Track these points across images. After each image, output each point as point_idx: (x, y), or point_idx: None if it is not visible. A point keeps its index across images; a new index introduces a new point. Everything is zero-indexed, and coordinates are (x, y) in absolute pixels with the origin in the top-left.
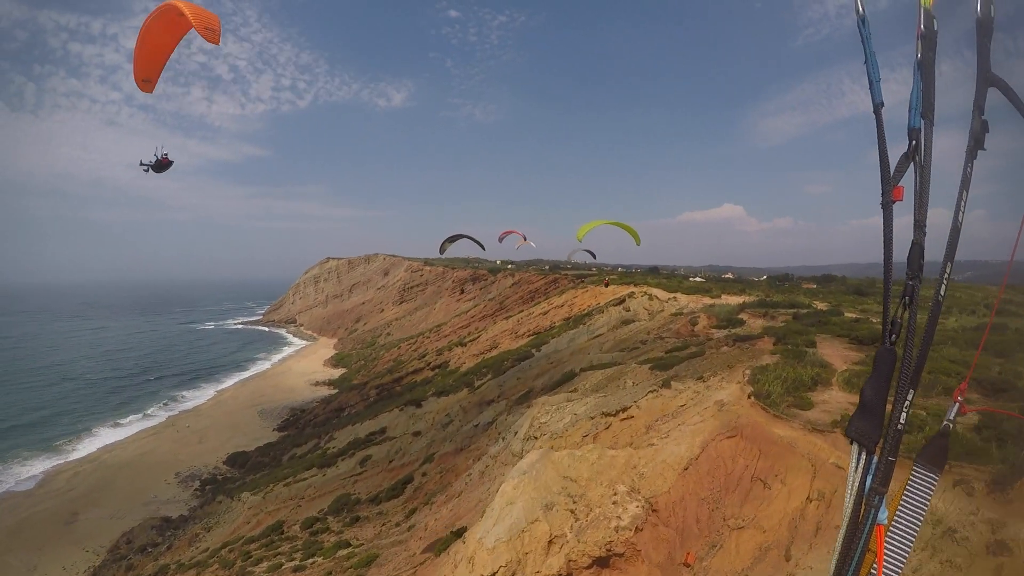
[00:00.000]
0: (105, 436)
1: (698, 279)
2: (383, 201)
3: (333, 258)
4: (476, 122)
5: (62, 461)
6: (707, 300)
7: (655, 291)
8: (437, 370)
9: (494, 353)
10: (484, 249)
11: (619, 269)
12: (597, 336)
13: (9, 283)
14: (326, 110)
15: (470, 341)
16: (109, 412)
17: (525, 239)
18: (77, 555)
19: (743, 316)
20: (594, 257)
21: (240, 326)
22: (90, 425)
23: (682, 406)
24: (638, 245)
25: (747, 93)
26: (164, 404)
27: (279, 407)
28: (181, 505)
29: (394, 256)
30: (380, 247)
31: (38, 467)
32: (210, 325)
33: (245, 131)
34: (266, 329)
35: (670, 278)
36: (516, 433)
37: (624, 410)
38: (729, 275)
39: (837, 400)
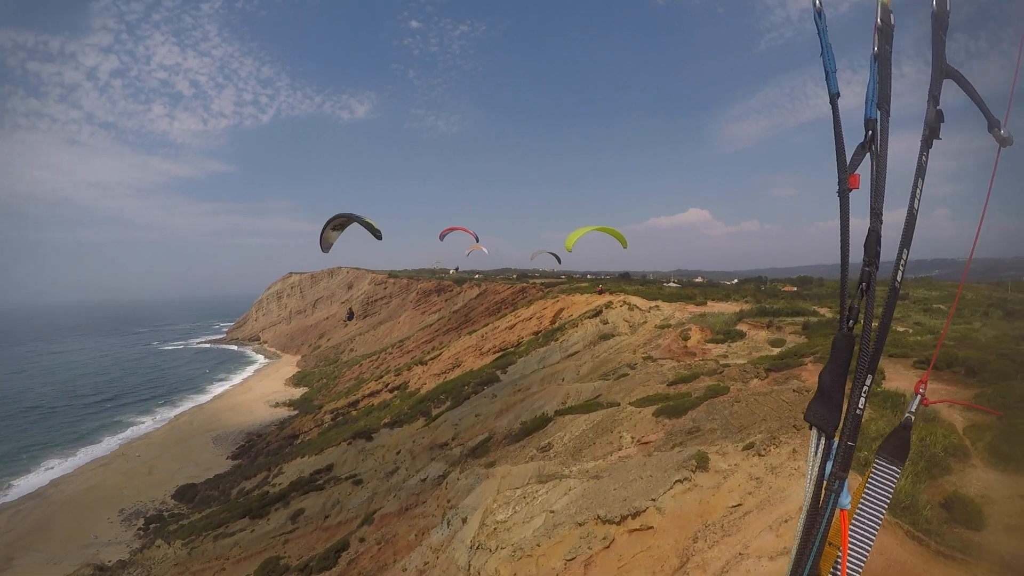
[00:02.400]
0: (54, 469)
1: (673, 284)
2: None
3: (296, 273)
4: (440, 133)
5: (5, 499)
6: (693, 308)
7: (634, 299)
8: (396, 392)
9: (456, 373)
10: (380, 239)
11: (588, 276)
12: (572, 355)
13: None
14: (289, 124)
15: (431, 359)
16: (62, 442)
17: (478, 241)
18: None
19: (742, 327)
20: (559, 261)
21: (204, 345)
22: (40, 458)
23: (736, 507)
24: (625, 248)
25: (712, 98)
26: (118, 431)
27: (235, 432)
28: (122, 548)
29: (357, 269)
30: (347, 261)
31: None
32: (174, 345)
33: (208, 147)
34: (230, 348)
35: (647, 284)
36: (465, 522)
37: (635, 515)
38: (699, 279)
39: (999, 492)
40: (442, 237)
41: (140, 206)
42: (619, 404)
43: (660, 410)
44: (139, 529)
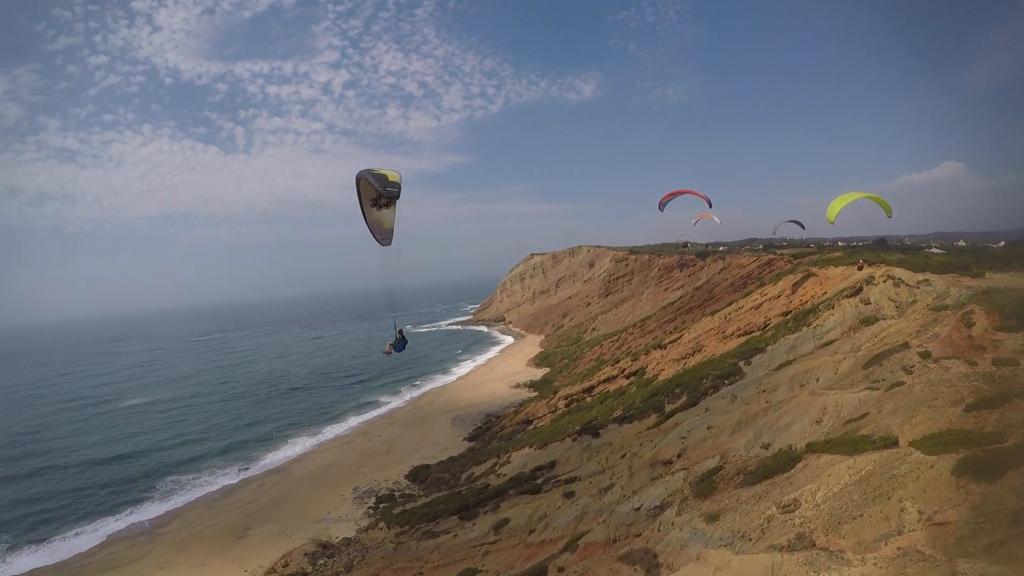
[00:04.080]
0: (300, 445)
1: (936, 250)
2: (587, 193)
3: (537, 254)
4: (669, 103)
5: (252, 472)
6: (969, 281)
7: (898, 272)
8: (632, 378)
9: (696, 360)
10: (395, 196)
11: (839, 243)
12: (827, 344)
13: (242, 302)
14: (518, 111)
15: (670, 343)
16: (311, 422)
17: (710, 206)
18: (234, 574)
19: None
20: (803, 227)
21: (451, 327)
22: (289, 435)
23: None
24: (890, 217)
25: (951, 34)
26: (364, 411)
27: (474, 413)
28: (350, 525)
29: (598, 247)
30: (586, 239)
31: (228, 478)
32: (425, 328)
33: (444, 141)
34: (477, 328)
35: (909, 252)
36: None
37: None
38: (961, 242)
39: None
40: (662, 206)
41: None
42: (896, 442)
43: (962, 464)
44: (369, 508)
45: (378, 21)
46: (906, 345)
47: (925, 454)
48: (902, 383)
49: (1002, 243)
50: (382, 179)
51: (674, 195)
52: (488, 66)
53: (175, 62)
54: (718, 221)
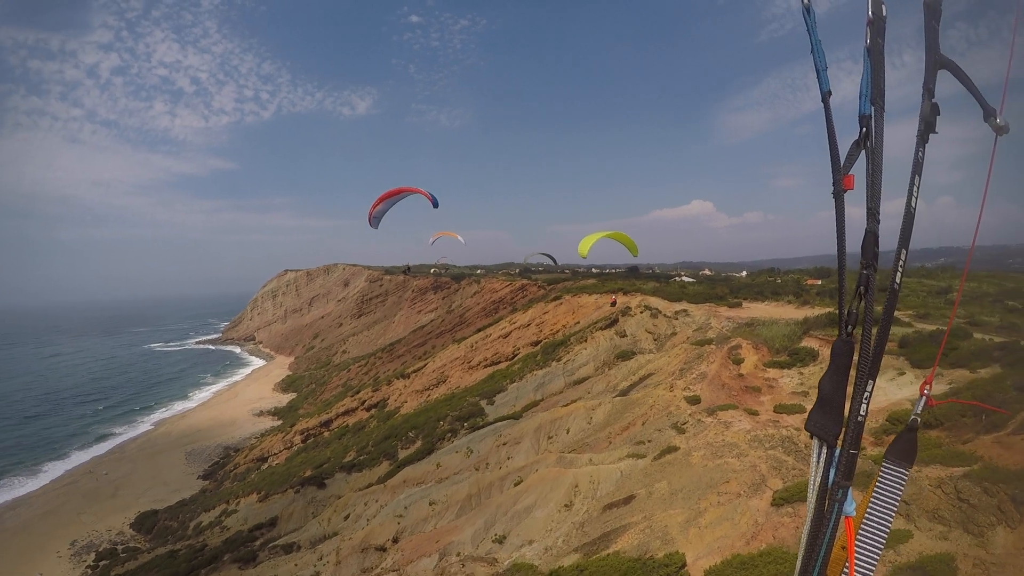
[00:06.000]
0: (18, 487)
1: (687, 279)
2: (353, 210)
3: (291, 270)
4: (441, 128)
5: None
6: (727, 312)
7: (654, 301)
8: (372, 411)
9: (439, 392)
10: None
11: (593, 270)
12: (579, 382)
13: None
14: (291, 120)
15: (414, 372)
16: (33, 457)
17: (436, 206)
18: None
19: (809, 342)
20: (555, 263)
21: (200, 346)
22: (6, 474)
23: None
24: (636, 256)
25: (713, 90)
26: (92, 445)
27: (212, 446)
28: None
29: (355, 265)
30: (349, 257)
31: None
32: (169, 346)
33: (210, 144)
34: (225, 348)
35: (663, 282)
36: None
37: None
38: (706, 271)
39: None
40: (374, 219)
41: (142, 203)
42: (684, 566)
43: None
44: (88, 567)
45: (160, 6)
46: (671, 388)
47: None
48: (675, 448)
49: (744, 273)
50: None
51: (388, 199)
52: (266, 70)
53: None
54: (462, 240)
